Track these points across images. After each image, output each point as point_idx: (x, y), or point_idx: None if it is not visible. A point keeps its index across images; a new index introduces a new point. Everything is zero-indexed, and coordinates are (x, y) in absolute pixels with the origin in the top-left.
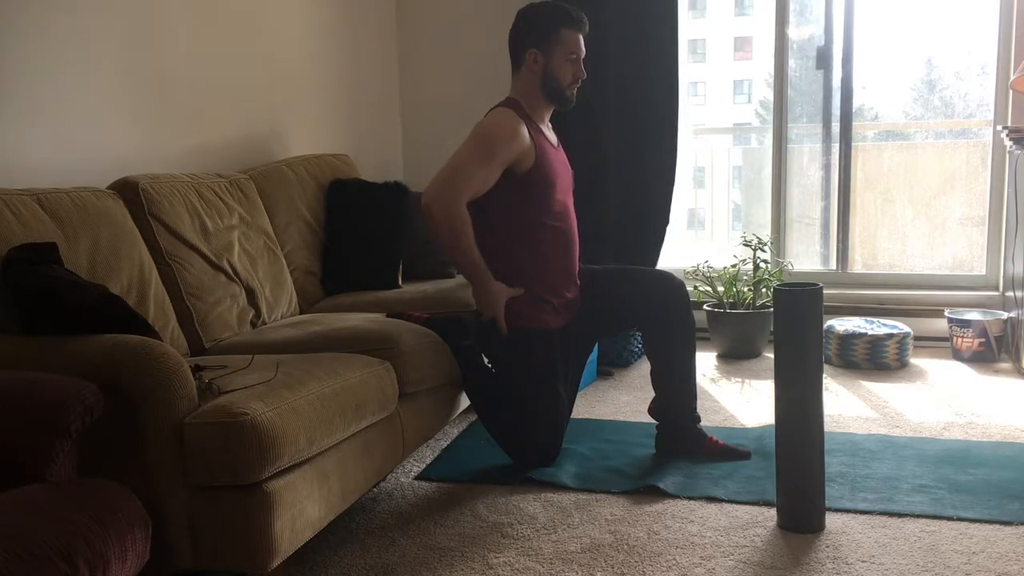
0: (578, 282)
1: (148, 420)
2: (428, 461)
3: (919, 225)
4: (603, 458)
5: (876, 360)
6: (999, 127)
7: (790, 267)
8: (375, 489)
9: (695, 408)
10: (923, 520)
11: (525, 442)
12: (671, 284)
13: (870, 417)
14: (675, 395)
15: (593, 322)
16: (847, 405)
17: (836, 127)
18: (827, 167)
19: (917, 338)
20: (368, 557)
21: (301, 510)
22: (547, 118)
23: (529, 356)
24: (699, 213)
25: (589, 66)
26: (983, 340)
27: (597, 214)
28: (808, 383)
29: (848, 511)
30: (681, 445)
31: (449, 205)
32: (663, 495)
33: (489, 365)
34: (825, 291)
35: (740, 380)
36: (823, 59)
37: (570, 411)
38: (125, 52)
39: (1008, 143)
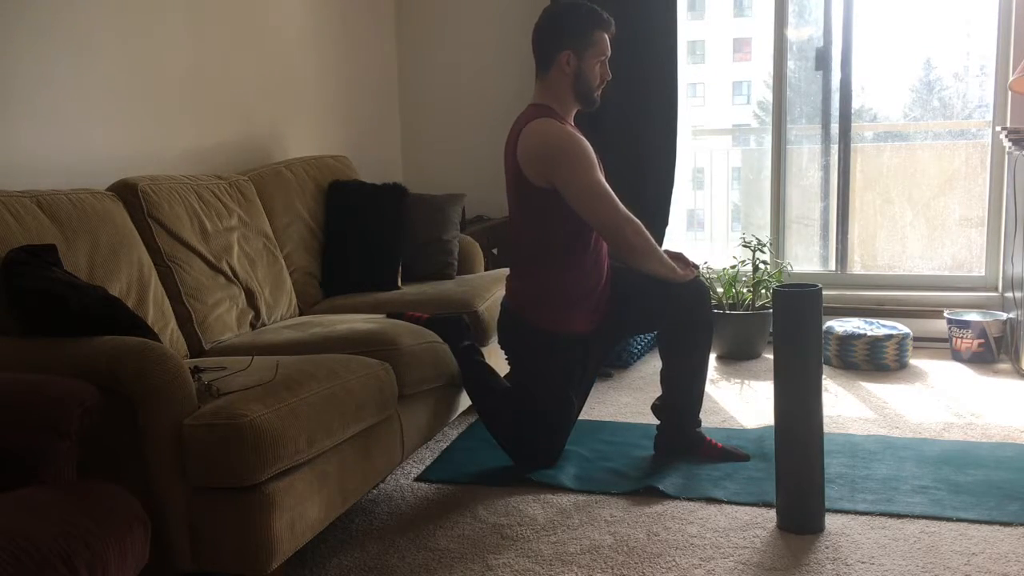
0: (607, 276)
1: (147, 422)
2: (427, 463)
3: (918, 226)
4: (603, 459)
5: (875, 361)
6: (998, 128)
7: (789, 268)
8: (374, 491)
9: (699, 411)
10: (923, 521)
11: (528, 444)
12: (697, 287)
13: (869, 418)
14: (682, 396)
15: (618, 324)
16: (846, 406)
17: (835, 128)
18: (826, 168)
19: (916, 339)
20: (367, 559)
21: (301, 512)
22: (572, 119)
23: (549, 361)
24: (698, 214)
25: None
26: (982, 341)
27: None
28: (807, 384)
29: (848, 512)
30: (680, 446)
31: (626, 220)
32: (663, 496)
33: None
34: (824, 292)
35: (739, 381)
36: (822, 60)
37: (579, 414)
38: (124, 54)
39: (1007, 144)
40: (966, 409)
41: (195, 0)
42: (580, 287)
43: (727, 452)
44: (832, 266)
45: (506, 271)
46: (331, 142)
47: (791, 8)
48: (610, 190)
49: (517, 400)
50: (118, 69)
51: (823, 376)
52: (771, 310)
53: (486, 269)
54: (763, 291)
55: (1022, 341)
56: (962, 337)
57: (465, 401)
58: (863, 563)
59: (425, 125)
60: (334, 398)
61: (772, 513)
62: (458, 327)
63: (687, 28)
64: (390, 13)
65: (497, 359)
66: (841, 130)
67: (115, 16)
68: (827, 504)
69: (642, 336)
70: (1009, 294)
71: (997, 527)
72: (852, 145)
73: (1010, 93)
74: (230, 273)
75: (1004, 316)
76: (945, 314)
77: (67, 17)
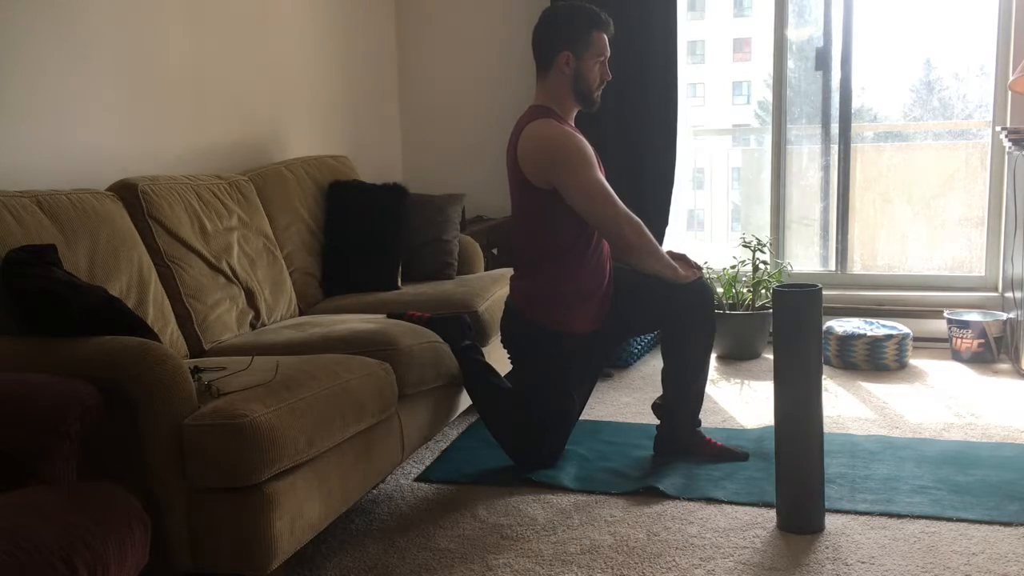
0: (610, 276)
1: (148, 422)
2: (427, 463)
3: (918, 226)
4: (603, 459)
5: (875, 361)
6: (998, 128)
7: (789, 268)
8: (374, 491)
9: (699, 412)
10: (923, 521)
11: (528, 444)
12: (700, 288)
13: (869, 418)
14: (683, 396)
15: (621, 324)
16: (846, 406)
17: (835, 128)
18: (826, 168)
19: (916, 339)
20: (367, 559)
21: (300, 512)
22: (572, 120)
23: (551, 360)
24: (698, 214)
25: None
26: (982, 341)
27: None
28: (807, 384)
29: (848, 512)
30: (680, 446)
31: (626, 219)
32: (663, 496)
33: (499, 371)
34: (824, 292)
35: (739, 381)
36: (822, 60)
37: (580, 413)
38: (124, 54)
39: (1007, 144)
40: (966, 409)
41: (195, 0)
42: (582, 287)
43: (726, 452)
44: (832, 266)
45: (506, 271)
46: (331, 142)
47: (791, 8)
48: (610, 189)
49: (518, 400)
50: (118, 69)
51: (823, 376)
52: (771, 310)
53: (486, 269)
54: (763, 291)
55: (1022, 341)
56: (962, 337)
57: (465, 401)
58: (863, 563)
59: (425, 125)
60: (334, 398)
61: (772, 513)
62: (459, 327)
63: (687, 28)
64: (390, 13)
65: (498, 358)
66: (841, 130)
67: (115, 15)
68: (827, 504)
69: (642, 336)
70: (1009, 294)
71: (997, 527)
72: (852, 145)
73: (1010, 93)
74: (230, 273)
75: (1004, 316)
76: (945, 314)
77: (67, 16)
